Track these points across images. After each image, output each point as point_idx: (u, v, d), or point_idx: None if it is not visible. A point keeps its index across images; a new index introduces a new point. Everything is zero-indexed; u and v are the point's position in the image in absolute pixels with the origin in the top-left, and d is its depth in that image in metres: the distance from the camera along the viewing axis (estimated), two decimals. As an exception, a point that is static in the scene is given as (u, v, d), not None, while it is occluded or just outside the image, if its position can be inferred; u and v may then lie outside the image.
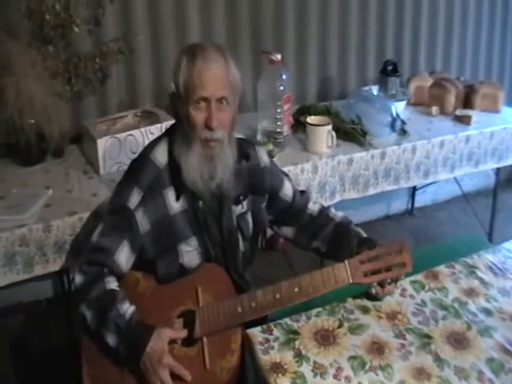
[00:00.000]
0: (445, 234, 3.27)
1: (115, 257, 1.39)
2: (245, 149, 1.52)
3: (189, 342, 1.35)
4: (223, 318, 1.34)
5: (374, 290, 1.42)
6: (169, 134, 1.48)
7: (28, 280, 1.98)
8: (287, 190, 1.62)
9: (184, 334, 1.35)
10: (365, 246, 1.44)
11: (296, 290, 1.34)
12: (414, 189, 3.49)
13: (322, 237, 1.59)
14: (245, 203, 1.53)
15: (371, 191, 2.49)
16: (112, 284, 1.37)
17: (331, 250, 1.57)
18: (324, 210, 1.63)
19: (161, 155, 1.44)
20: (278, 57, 2.29)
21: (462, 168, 2.69)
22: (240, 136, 1.58)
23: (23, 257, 1.85)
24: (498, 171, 2.94)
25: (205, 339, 1.34)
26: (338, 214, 1.62)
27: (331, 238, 1.58)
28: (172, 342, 1.32)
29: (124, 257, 1.40)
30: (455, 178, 3.17)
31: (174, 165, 1.42)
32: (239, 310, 1.34)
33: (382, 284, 1.41)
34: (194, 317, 1.35)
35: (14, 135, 2.17)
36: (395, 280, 1.44)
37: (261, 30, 2.79)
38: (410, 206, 3.58)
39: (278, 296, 1.34)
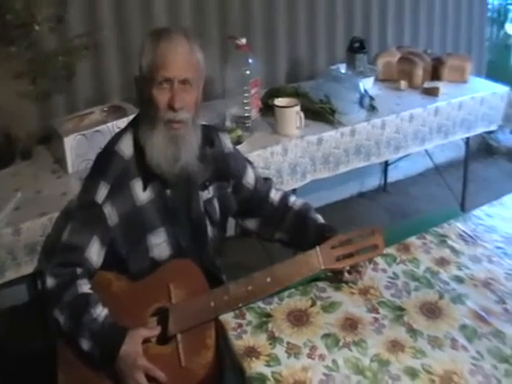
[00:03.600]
0: (419, 207, 3.28)
1: (86, 254, 1.37)
2: (209, 135, 1.52)
3: (163, 340, 1.34)
4: (196, 313, 1.33)
5: (345, 278, 1.41)
6: (133, 124, 1.47)
7: (2, 286, 1.96)
8: (250, 178, 1.61)
9: (157, 331, 1.34)
10: (323, 233, 1.44)
11: (268, 280, 1.34)
12: (386, 164, 3.49)
13: (283, 227, 1.59)
14: (211, 189, 1.52)
15: (342, 169, 2.50)
16: (84, 287, 1.35)
17: (293, 240, 1.57)
18: (284, 199, 1.62)
19: (126, 146, 1.43)
20: (244, 41, 2.28)
21: (433, 140, 2.71)
22: (204, 123, 1.56)
23: (-6, 263, 1.82)
24: (467, 141, 2.96)
25: (179, 336, 1.33)
26: (298, 202, 1.61)
27: (291, 228, 1.57)
28: (146, 341, 1.32)
29: (95, 253, 1.39)
30: (427, 151, 3.18)
31: (139, 155, 1.41)
32: (212, 304, 1.33)
33: (354, 267, 1.40)
34: (168, 314, 1.34)
35: (-20, 139, 2.14)
36: (368, 262, 1.44)
37: (228, 15, 2.75)
38: (383, 182, 3.58)
39: (250, 288, 1.33)
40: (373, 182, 3.56)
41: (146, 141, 1.39)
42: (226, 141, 1.58)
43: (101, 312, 1.31)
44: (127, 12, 2.51)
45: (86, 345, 1.29)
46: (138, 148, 1.41)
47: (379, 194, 3.53)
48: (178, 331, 1.32)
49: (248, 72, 2.27)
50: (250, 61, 2.29)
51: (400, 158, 3.30)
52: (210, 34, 2.73)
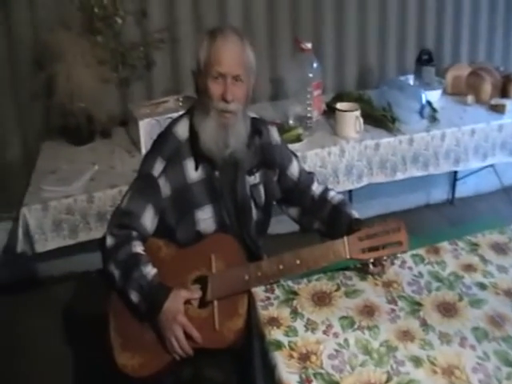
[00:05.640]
0: (484, 225, 3.25)
1: (141, 220, 1.56)
2: (258, 126, 1.67)
3: (202, 304, 1.50)
4: (232, 284, 1.48)
5: (370, 270, 1.51)
6: (190, 111, 1.65)
7: (79, 251, 2.18)
8: (294, 169, 1.75)
9: (198, 295, 1.50)
10: (354, 226, 1.55)
11: (298, 262, 1.46)
12: (455, 179, 3.49)
13: (320, 218, 1.71)
14: (257, 175, 1.68)
15: (399, 176, 2.57)
16: (138, 248, 1.53)
17: (329, 232, 1.68)
18: (324, 193, 1.74)
19: (182, 129, 1.61)
20: (308, 45, 2.42)
21: (496, 156, 2.71)
22: (255, 115, 1.72)
23: (69, 224, 2.08)
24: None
25: (215, 302, 1.48)
26: (336, 197, 1.72)
27: (328, 220, 1.69)
28: (187, 303, 1.48)
29: (149, 219, 1.57)
30: (495, 169, 3.17)
31: (193, 138, 1.58)
32: (246, 277, 1.47)
33: (378, 260, 1.50)
34: (207, 282, 1.50)
35: (65, 118, 2.42)
36: (391, 258, 1.53)
37: (299, 18, 2.91)
38: (450, 196, 3.57)
39: (281, 267, 1.47)
40: (440, 194, 3.57)
41: (199, 126, 1.57)
42: (274, 133, 1.73)
43: (150, 270, 1.48)
44: (203, 9, 2.73)
45: (134, 297, 1.47)
46: (193, 132, 1.59)
47: (445, 207, 3.53)
48: (215, 298, 1.48)
49: (311, 75, 2.42)
50: (314, 64, 2.42)
51: (470, 174, 3.31)
52: (282, 35, 2.89)
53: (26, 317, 2.59)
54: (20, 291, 2.73)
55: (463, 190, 3.57)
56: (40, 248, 2.07)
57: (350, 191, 2.74)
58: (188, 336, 1.45)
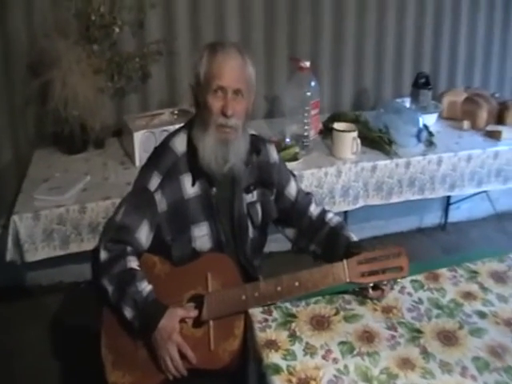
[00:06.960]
0: (476, 251, 3.24)
1: (136, 234, 1.52)
2: (257, 144, 1.64)
3: (197, 324, 1.46)
4: (228, 304, 1.44)
5: (370, 294, 1.49)
6: (188, 125, 1.62)
7: (69, 262, 2.12)
8: (292, 189, 1.71)
9: (194, 314, 1.46)
10: (352, 249, 1.52)
11: (296, 284, 1.43)
12: (448, 204, 3.48)
13: (317, 240, 1.68)
14: (255, 193, 1.64)
15: (395, 199, 2.56)
16: (133, 263, 1.49)
17: (325, 254, 1.65)
18: (322, 215, 1.71)
19: (180, 144, 1.57)
20: (307, 64, 2.41)
21: (490, 184, 2.71)
22: (254, 133, 1.69)
23: (60, 234, 2.03)
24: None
25: (211, 322, 1.44)
26: (334, 220, 1.70)
27: (325, 243, 1.66)
28: (182, 321, 1.44)
29: (144, 235, 1.53)
30: (488, 196, 3.17)
31: (191, 152, 1.55)
32: (243, 298, 1.44)
33: (377, 285, 1.48)
34: (203, 301, 1.46)
35: (59, 125, 2.38)
36: (391, 283, 1.51)
37: (297, 37, 2.92)
38: (443, 221, 3.55)
39: (279, 288, 1.43)
40: (433, 219, 3.54)
41: (198, 141, 1.53)
42: (273, 152, 1.70)
43: (146, 287, 1.44)
44: (201, 24, 2.72)
45: (128, 313, 1.43)
46: (191, 146, 1.55)
47: (437, 232, 3.51)
48: (211, 318, 1.44)
49: (309, 93, 2.40)
50: (312, 83, 2.41)
51: (463, 199, 3.31)
52: (280, 54, 2.90)
53: (13, 325, 2.54)
54: (7, 299, 2.67)
55: (456, 215, 3.55)
56: (30, 257, 2.01)
57: (346, 212, 2.72)
58: (182, 356, 1.41)
